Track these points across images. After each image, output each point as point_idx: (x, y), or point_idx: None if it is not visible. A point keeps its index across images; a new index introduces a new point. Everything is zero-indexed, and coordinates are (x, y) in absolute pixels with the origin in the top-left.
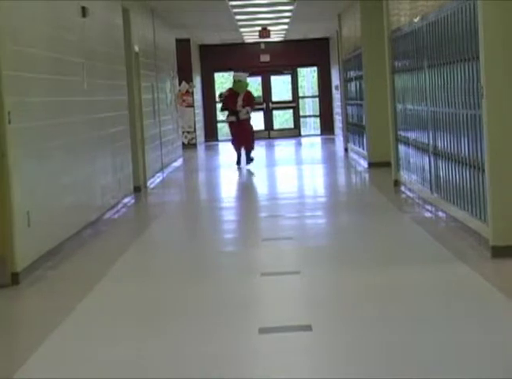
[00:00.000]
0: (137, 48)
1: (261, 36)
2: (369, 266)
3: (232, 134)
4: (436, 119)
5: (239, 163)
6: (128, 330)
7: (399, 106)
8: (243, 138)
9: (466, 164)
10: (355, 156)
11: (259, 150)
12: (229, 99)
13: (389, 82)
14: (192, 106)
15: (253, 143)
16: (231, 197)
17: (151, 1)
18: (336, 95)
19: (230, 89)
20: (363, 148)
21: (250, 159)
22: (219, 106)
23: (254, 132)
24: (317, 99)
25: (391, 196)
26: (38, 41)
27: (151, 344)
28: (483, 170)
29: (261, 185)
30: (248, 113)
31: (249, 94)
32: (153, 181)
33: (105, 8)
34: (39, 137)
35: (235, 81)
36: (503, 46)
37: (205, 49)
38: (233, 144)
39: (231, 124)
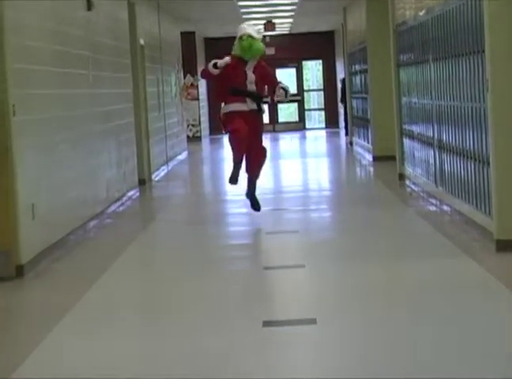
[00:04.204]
0: (142, 41)
1: (266, 29)
2: (374, 259)
3: (233, 133)
4: (441, 113)
5: (234, 179)
6: (132, 323)
7: (404, 100)
8: (250, 144)
9: (471, 158)
10: (359, 150)
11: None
12: (231, 70)
13: (394, 75)
14: (197, 99)
15: (264, 152)
16: (236, 190)
17: None
18: None
19: (232, 56)
20: (368, 142)
21: (255, 202)
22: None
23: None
24: (322, 93)
25: (396, 189)
26: (43, 34)
27: (155, 337)
28: (488, 164)
29: (265, 179)
30: (283, 96)
31: (265, 65)
32: (158, 175)
33: (110, 1)
34: (44, 130)
35: (242, 39)
36: (509, 39)
37: (209, 42)
38: (234, 150)
39: (231, 117)
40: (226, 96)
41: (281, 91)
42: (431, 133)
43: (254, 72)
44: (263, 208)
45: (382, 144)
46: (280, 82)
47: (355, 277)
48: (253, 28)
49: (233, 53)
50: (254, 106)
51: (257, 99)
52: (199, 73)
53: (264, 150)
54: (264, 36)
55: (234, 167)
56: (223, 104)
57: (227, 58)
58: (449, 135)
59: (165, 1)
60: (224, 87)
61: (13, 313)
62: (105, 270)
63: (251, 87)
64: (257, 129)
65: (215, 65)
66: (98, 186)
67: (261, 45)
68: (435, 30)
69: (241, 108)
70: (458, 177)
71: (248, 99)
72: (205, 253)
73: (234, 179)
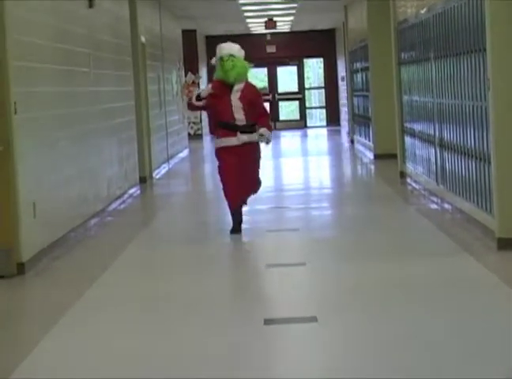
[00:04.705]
0: (143, 39)
1: (267, 27)
2: (375, 257)
3: (224, 173)
4: (442, 111)
5: (235, 230)
6: (132, 322)
7: (405, 98)
8: (244, 181)
9: (472, 156)
10: (361, 148)
11: None
12: (216, 99)
13: (396, 73)
14: None
15: (257, 186)
16: None
17: None
18: (343, 87)
19: (215, 82)
20: (369, 140)
21: (238, 222)
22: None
23: (259, 167)
24: (323, 91)
25: (397, 187)
26: (44, 31)
27: (155, 336)
28: (490, 162)
29: (266, 177)
30: (264, 138)
31: (254, 91)
32: (159, 172)
33: None
34: (46, 128)
35: (223, 60)
36: (510, 37)
37: (211, 40)
38: (227, 197)
39: (222, 153)
40: (217, 129)
41: (264, 137)
42: (432, 131)
43: (240, 97)
44: (264, 206)
45: (383, 142)
46: (265, 124)
47: (355, 275)
48: (233, 46)
49: (216, 77)
50: (246, 138)
51: (250, 128)
52: (186, 106)
53: (258, 182)
54: (251, 62)
55: (232, 217)
56: (215, 138)
57: (209, 86)
58: (451, 133)
59: None
60: (214, 118)
61: (13, 311)
62: (106, 268)
63: (239, 116)
64: (250, 162)
65: (198, 97)
66: (99, 184)
67: (244, 63)
68: (437, 28)
69: (232, 143)
70: (459, 175)
71: (239, 133)
72: (205, 251)
73: (235, 230)
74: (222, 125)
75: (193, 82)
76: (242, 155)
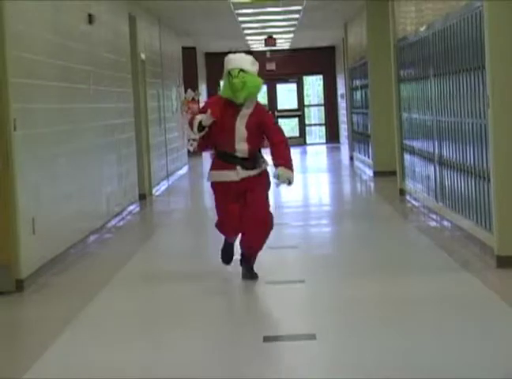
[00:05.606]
0: (143, 56)
1: (267, 44)
2: (374, 275)
3: (220, 209)
4: (442, 128)
5: (227, 258)
6: (131, 338)
7: (404, 115)
8: (245, 222)
9: (471, 173)
10: (360, 165)
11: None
12: (218, 124)
13: (395, 91)
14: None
15: (266, 235)
16: None
17: (157, 8)
18: (342, 104)
19: (219, 102)
20: (369, 157)
21: (250, 271)
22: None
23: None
24: (322, 108)
25: (396, 205)
26: (44, 48)
27: (154, 352)
28: (489, 180)
29: None
30: (284, 180)
31: (265, 113)
32: (158, 189)
33: (112, 15)
34: (45, 144)
35: (231, 75)
36: (509, 55)
37: (210, 57)
38: (220, 227)
39: (217, 192)
40: (213, 157)
41: (284, 177)
42: (431, 149)
43: (248, 123)
44: None
45: (383, 160)
46: (284, 160)
47: (354, 292)
48: (244, 58)
49: (221, 94)
50: (247, 172)
51: (252, 162)
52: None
53: (266, 216)
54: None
55: (224, 245)
56: (209, 170)
57: (209, 112)
58: (450, 151)
59: (166, 16)
60: (213, 141)
61: (12, 328)
62: (105, 284)
63: (241, 147)
64: (253, 196)
65: (200, 127)
66: (98, 201)
67: (257, 80)
68: (436, 46)
69: (229, 178)
70: (459, 192)
71: (239, 167)
72: (205, 268)
73: (225, 259)
74: (220, 154)
75: (193, 99)
76: (240, 192)
